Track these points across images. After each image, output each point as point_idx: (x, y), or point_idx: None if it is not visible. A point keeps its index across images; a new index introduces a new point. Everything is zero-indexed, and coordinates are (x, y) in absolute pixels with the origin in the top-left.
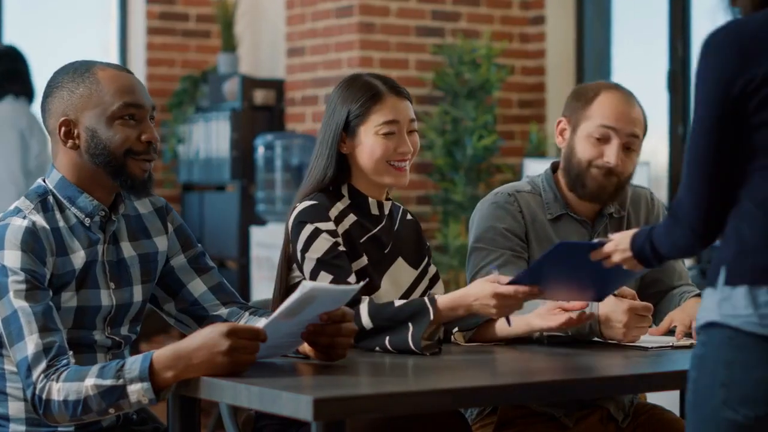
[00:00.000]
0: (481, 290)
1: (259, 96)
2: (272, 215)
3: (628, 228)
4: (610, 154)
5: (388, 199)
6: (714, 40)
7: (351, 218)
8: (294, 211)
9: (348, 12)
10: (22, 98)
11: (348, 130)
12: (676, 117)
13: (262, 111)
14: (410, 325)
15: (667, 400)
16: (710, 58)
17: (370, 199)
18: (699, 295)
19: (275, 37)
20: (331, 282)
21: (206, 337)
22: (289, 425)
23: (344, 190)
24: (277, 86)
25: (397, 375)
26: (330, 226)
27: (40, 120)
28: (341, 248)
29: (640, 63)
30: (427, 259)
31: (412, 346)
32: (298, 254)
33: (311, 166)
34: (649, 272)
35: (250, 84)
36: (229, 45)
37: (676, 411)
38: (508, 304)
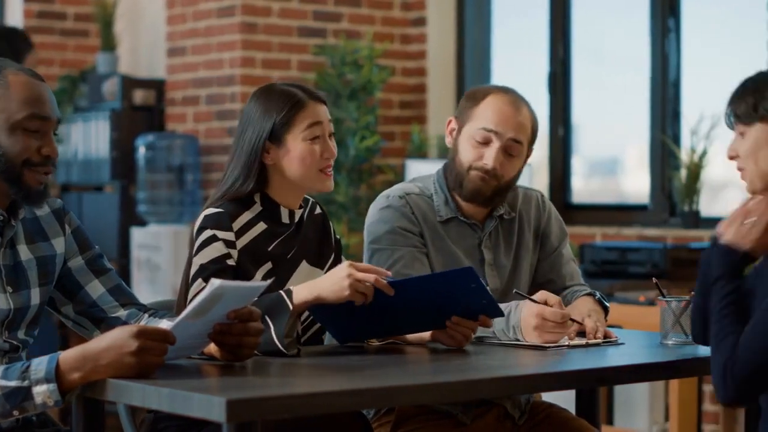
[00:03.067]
0: (337, 270)
1: (139, 96)
2: (153, 216)
3: (520, 230)
4: (489, 157)
5: (300, 206)
6: None
7: (261, 226)
8: (200, 216)
9: (230, 12)
10: None
11: (274, 139)
12: (557, 118)
13: (142, 111)
14: (269, 321)
15: (562, 398)
16: None
17: (282, 208)
18: (590, 294)
19: (155, 37)
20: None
21: (115, 338)
22: (190, 426)
23: (257, 198)
24: (157, 86)
25: (306, 375)
26: (229, 236)
27: None
28: (230, 262)
29: (520, 64)
30: (334, 256)
31: (280, 346)
32: (192, 257)
33: (225, 178)
34: (541, 272)
35: (129, 84)
36: (109, 44)
37: (572, 409)
38: (360, 287)
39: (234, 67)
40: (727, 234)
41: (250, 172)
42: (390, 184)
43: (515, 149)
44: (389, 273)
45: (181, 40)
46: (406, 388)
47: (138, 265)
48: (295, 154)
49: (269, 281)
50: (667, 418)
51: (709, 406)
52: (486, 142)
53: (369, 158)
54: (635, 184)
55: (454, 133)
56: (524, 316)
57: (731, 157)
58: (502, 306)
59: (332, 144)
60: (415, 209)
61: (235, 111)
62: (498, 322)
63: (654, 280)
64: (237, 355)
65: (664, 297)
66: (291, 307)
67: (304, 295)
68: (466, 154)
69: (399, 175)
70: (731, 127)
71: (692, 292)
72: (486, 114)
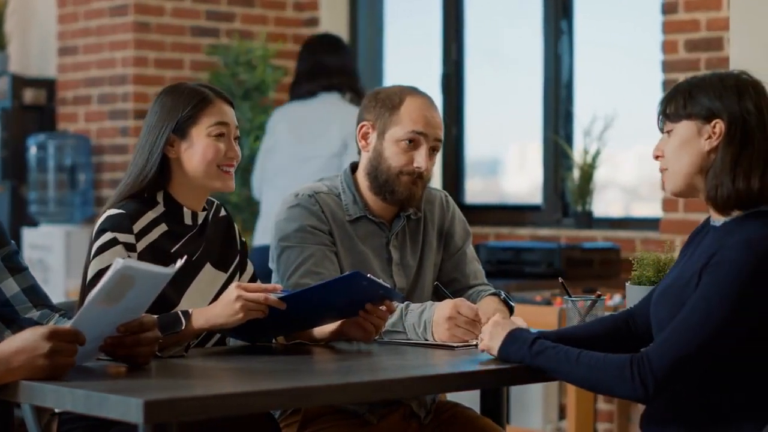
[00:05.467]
0: (226, 294)
1: (30, 95)
2: (45, 216)
3: (425, 230)
4: (420, 160)
5: (204, 209)
6: None
7: (162, 228)
8: (101, 216)
9: (122, 11)
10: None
11: (178, 132)
12: (450, 118)
13: (32, 110)
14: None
15: (467, 398)
16: None
17: (185, 209)
18: (495, 294)
19: (46, 36)
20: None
21: (26, 340)
22: (97, 427)
23: (159, 197)
24: (48, 85)
25: (220, 377)
26: (129, 239)
27: None
28: None
29: (413, 65)
30: (239, 258)
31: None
32: (89, 259)
33: (128, 171)
34: (445, 272)
35: (20, 83)
36: None
37: (477, 408)
38: (252, 306)
39: (126, 67)
40: (492, 346)
41: (151, 161)
42: None
43: (437, 148)
44: (279, 287)
45: (73, 39)
46: (322, 389)
47: (30, 265)
48: (198, 147)
49: (178, 265)
50: (561, 417)
51: (603, 405)
52: (415, 145)
53: None
54: (516, 185)
55: (370, 137)
56: (439, 308)
57: (656, 157)
58: (417, 305)
59: (237, 147)
60: (325, 208)
61: (128, 111)
62: (410, 317)
63: (560, 279)
64: (132, 364)
65: (570, 297)
66: (183, 325)
67: (201, 323)
68: (396, 158)
69: None
70: (662, 129)
71: (598, 293)
72: (411, 117)
